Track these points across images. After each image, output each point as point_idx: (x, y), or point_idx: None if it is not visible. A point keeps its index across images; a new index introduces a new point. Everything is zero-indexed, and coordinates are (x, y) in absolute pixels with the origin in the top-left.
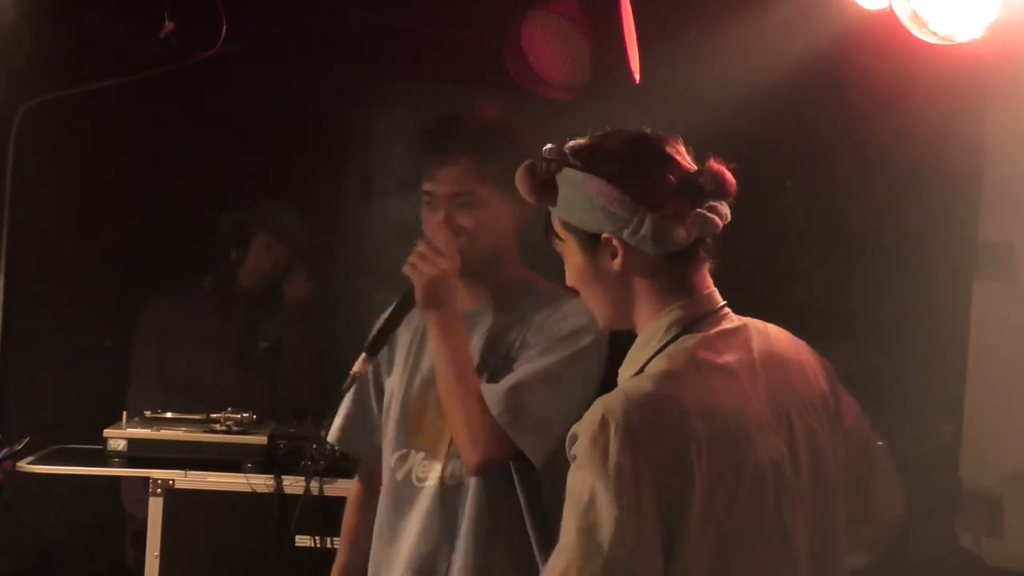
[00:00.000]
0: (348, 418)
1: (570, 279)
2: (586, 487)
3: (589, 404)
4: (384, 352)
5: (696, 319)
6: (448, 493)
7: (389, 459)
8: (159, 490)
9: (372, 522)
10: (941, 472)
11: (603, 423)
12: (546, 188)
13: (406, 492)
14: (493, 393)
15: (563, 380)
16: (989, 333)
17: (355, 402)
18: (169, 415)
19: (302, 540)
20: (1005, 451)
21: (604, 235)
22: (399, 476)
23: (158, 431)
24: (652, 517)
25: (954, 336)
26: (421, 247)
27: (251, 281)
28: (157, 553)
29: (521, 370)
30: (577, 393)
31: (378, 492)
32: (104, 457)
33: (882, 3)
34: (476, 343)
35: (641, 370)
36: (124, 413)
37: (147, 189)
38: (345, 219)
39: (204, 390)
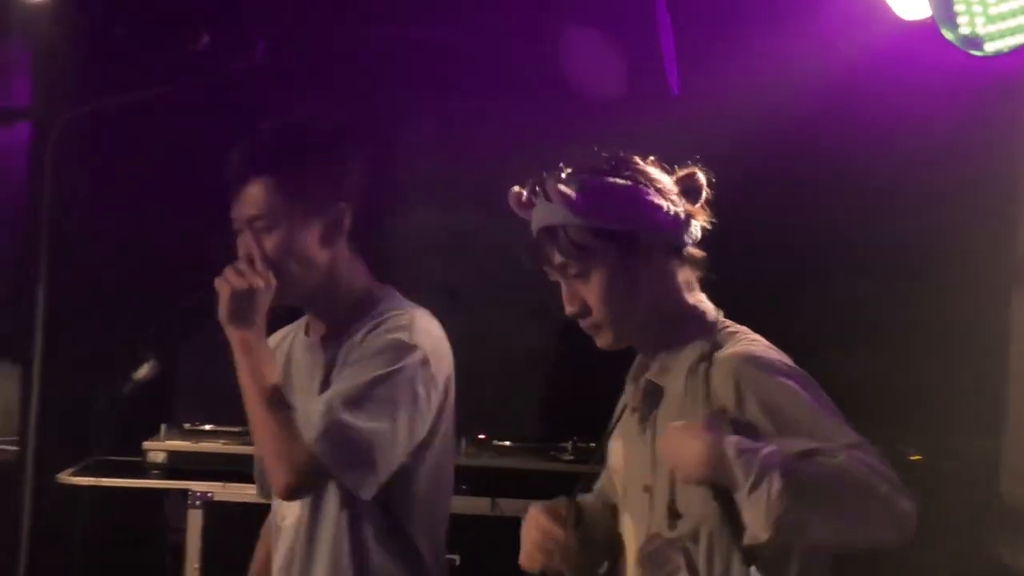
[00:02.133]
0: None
1: (595, 293)
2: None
3: (414, 430)
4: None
5: (718, 315)
6: (308, 532)
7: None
8: (198, 502)
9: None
10: (980, 487)
11: (768, 354)
12: (582, 201)
13: (276, 532)
14: (308, 422)
15: (381, 402)
16: None
17: None
18: (208, 427)
19: None
20: None
21: (646, 232)
22: (276, 517)
23: (197, 443)
24: None
25: (994, 350)
26: (238, 263)
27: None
28: (197, 565)
29: (334, 394)
30: (400, 414)
31: None
32: (143, 469)
33: (922, 15)
34: (319, 374)
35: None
36: (163, 425)
37: (185, 201)
38: (375, 232)
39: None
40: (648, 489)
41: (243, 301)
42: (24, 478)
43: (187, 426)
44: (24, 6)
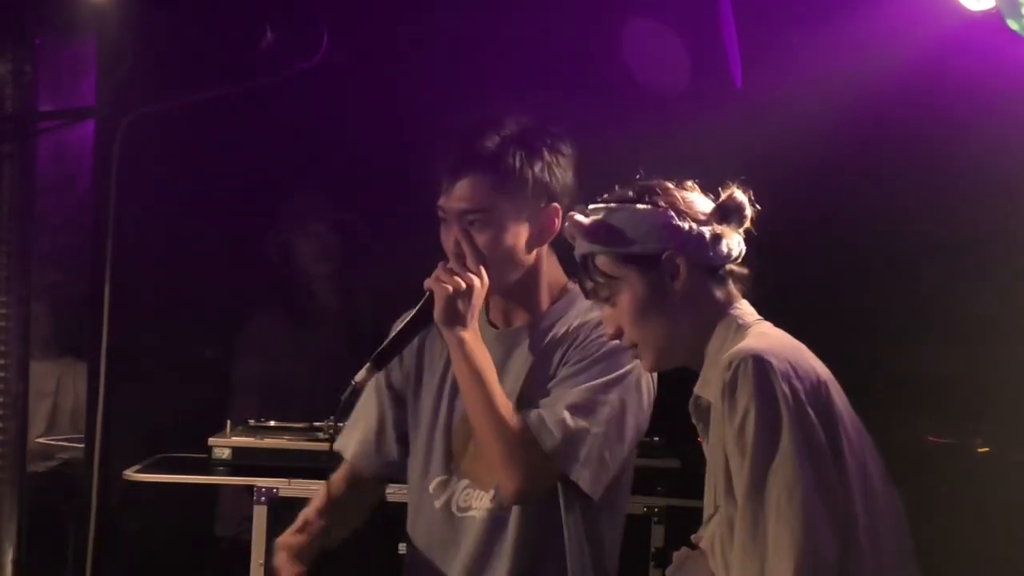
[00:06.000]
0: (366, 434)
1: (626, 318)
2: (767, 440)
3: (638, 431)
4: (411, 369)
5: (752, 319)
6: (497, 524)
7: (422, 483)
8: (263, 498)
9: (338, 515)
10: None
11: (758, 363)
12: (599, 229)
13: (446, 521)
14: (540, 421)
15: (612, 405)
16: None
17: (376, 418)
18: (272, 423)
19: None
20: None
21: (666, 254)
22: (437, 504)
23: (262, 439)
24: (827, 452)
25: None
26: (450, 263)
27: (323, 266)
28: (262, 561)
29: (569, 398)
30: (628, 417)
31: (359, 496)
32: (209, 465)
33: (987, 4)
34: (518, 364)
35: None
36: (228, 422)
37: (251, 199)
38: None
39: (308, 400)
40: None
41: (458, 301)
42: (91, 475)
43: (252, 422)
44: (89, 5)
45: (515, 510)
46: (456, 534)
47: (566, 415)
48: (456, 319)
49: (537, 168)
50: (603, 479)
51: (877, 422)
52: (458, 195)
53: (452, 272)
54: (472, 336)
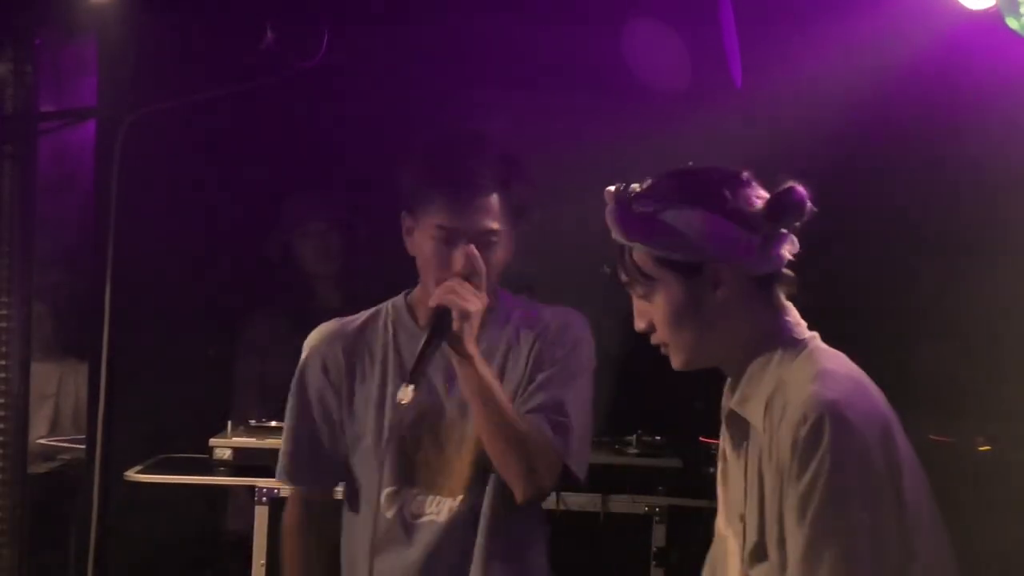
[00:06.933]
0: (295, 455)
1: (659, 319)
2: (832, 512)
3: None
4: (339, 382)
5: (805, 336)
6: (459, 529)
7: (371, 495)
8: (264, 499)
9: (316, 548)
10: None
11: (836, 424)
12: (639, 226)
13: (399, 528)
14: (541, 421)
15: (587, 396)
16: None
17: (307, 438)
18: (274, 424)
19: None
20: None
21: (710, 264)
22: (389, 514)
23: (263, 440)
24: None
25: None
26: (457, 281)
27: (323, 266)
28: (263, 561)
29: (548, 393)
30: (591, 407)
31: (320, 519)
32: (210, 466)
33: (987, 3)
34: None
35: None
36: (229, 422)
37: (251, 199)
38: None
39: None
40: (743, 519)
41: (474, 321)
42: (92, 476)
43: (253, 422)
44: (89, 5)
45: (483, 513)
46: (409, 540)
47: (552, 412)
48: (470, 335)
49: (530, 191)
50: (587, 458)
51: None
52: (480, 214)
53: (468, 291)
54: (477, 351)
